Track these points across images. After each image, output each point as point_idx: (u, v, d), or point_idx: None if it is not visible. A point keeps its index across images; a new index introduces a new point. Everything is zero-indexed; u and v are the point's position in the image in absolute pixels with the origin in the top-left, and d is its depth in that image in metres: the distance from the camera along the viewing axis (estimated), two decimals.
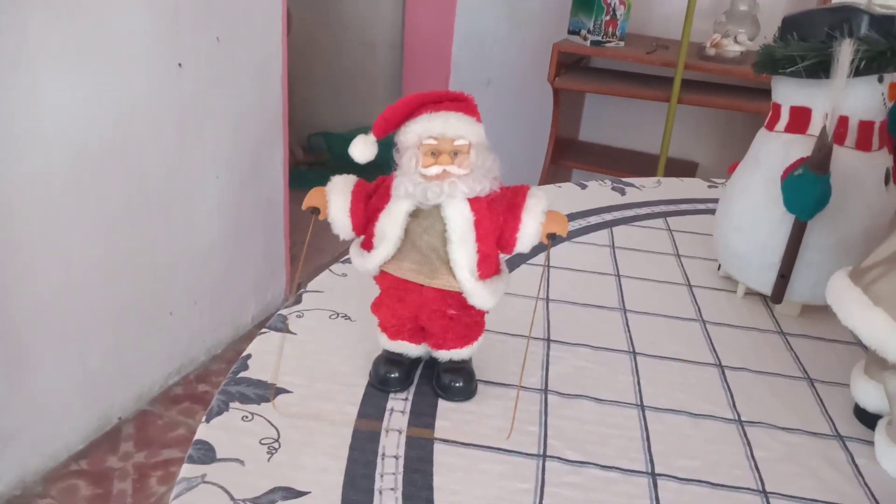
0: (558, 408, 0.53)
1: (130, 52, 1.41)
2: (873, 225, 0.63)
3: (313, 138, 2.98)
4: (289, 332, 0.59)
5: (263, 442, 0.47)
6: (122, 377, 1.60)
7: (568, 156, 2.50)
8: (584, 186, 0.98)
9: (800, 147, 0.62)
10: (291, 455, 0.46)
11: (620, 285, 0.72)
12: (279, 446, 0.47)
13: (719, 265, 0.75)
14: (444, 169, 0.45)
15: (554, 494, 0.45)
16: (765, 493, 0.47)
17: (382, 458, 0.47)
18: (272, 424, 0.49)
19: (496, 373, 0.56)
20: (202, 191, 1.70)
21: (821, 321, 0.68)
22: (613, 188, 0.98)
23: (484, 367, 0.55)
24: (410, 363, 0.54)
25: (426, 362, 0.55)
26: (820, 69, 0.60)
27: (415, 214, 0.47)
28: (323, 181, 0.49)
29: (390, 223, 0.47)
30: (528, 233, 0.47)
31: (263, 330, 0.59)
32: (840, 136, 0.62)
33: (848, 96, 0.60)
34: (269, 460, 0.46)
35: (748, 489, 0.47)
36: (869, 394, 0.53)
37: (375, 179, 0.50)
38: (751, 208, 0.67)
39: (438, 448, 0.48)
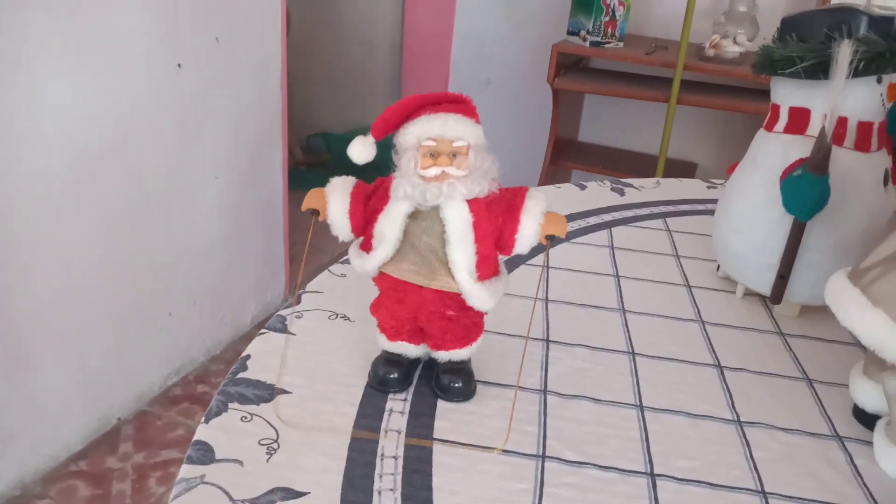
0: (557, 408, 0.53)
1: (130, 52, 1.41)
2: (872, 225, 0.63)
3: (312, 139, 2.98)
4: (289, 332, 0.59)
5: (262, 442, 0.47)
6: (121, 377, 1.60)
7: (567, 156, 2.50)
8: (583, 187, 0.98)
9: (799, 148, 0.62)
10: (290, 455, 0.46)
11: (619, 286, 0.72)
12: (278, 447, 0.47)
13: (718, 266, 0.75)
14: (442, 170, 0.45)
15: (553, 495, 0.45)
16: (764, 493, 0.47)
17: (381, 459, 0.47)
18: (271, 425, 0.49)
19: (495, 373, 0.56)
20: (202, 191, 1.70)
21: (820, 322, 0.68)
22: (612, 189, 0.98)
23: (483, 368, 0.56)
24: (409, 364, 0.54)
25: (425, 363, 0.55)
26: (819, 70, 0.60)
27: (414, 216, 0.47)
28: (322, 182, 0.49)
29: (389, 224, 0.47)
30: (527, 234, 0.48)
31: (263, 331, 0.59)
32: (839, 137, 0.62)
33: (847, 97, 0.60)
34: (268, 461, 0.46)
35: (747, 489, 0.47)
36: (868, 394, 0.53)
37: (374, 181, 0.50)
38: (750, 209, 0.67)
39: (437, 448, 0.48)
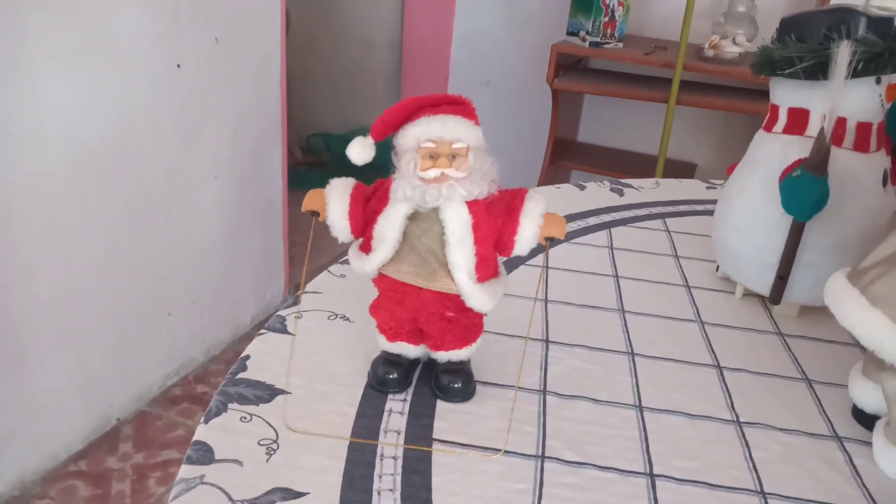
0: (556, 408, 0.53)
1: (130, 52, 1.41)
2: (871, 226, 0.63)
3: (312, 139, 2.98)
4: (289, 333, 0.59)
5: (262, 443, 0.47)
6: (121, 377, 1.60)
7: (567, 157, 2.50)
8: (582, 187, 0.98)
9: (798, 148, 0.62)
10: (290, 456, 0.46)
11: (619, 286, 0.72)
12: (277, 447, 0.47)
13: (717, 266, 0.75)
14: (442, 172, 0.45)
15: (552, 495, 0.45)
16: (763, 493, 0.47)
17: (381, 459, 0.47)
18: (270, 425, 0.49)
19: (495, 374, 0.56)
20: (202, 191, 1.70)
21: (819, 322, 0.68)
22: (612, 189, 0.98)
23: (482, 368, 0.56)
24: (409, 364, 0.54)
25: (425, 363, 0.55)
26: (818, 70, 0.60)
27: (413, 217, 0.47)
28: (322, 182, 0.49)
29: (389, 226, 0.47)
30: (526, 236, 0.48)
31: (262, 331, 0.59)
32: (838, 138, 0.63)
33: (846, 98, 0.60)
34: (267, 461, 0.46)
35: (746, 490, 0.47)
36: (867, 394, 0.53)
37: (374, 182, 0.50)
38: (749, 209, 0.67)
39: (437, 448, 0.48)
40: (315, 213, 0.49)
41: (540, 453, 0.49)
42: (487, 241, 0.47)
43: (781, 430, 0.53)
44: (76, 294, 1.43)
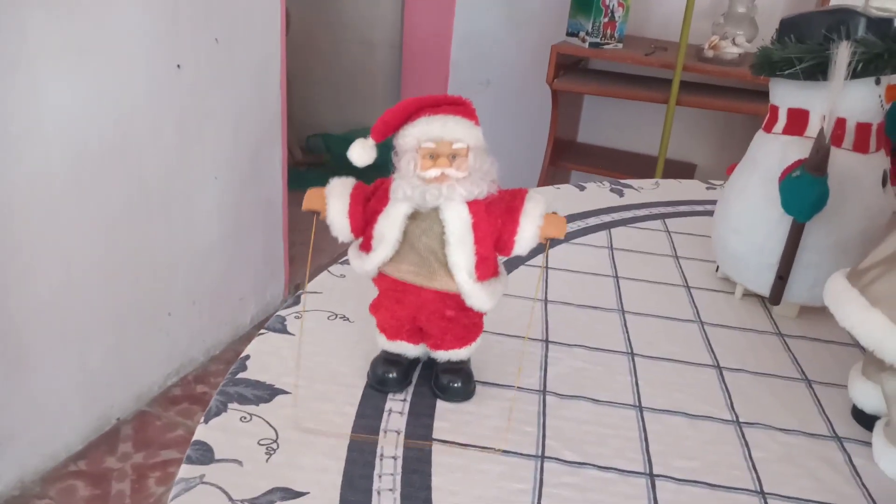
0: (556, 408, 0.53)
1: (130, 52, 1.41)
2: (871, 226, 0.63)
3: (312, 139, 2.98)
4: (289, 333, 0.59)
5: (262, 442, 0.47)
6: (121, 377, 1.60)
7: (566, 157, 2.50)
8: (582, 188, 0.98)
9: (797, 149, 0.62)
10: (290, 455, 0.46)
11: (619, 286, 0.72)
12: (277, 447, 0.47)
13: (717, 266, 0.75)
14: (442, 172, 0.45)
15: (552, 495, 0.45)
16: (763, 493, 0.47)
17: (381, 459, 0.47)
18: (270, 425, 0.49)
19: (494, 373, 0.56)
20: (202, 191, 1.70)
21: (819, 322, 0.68)
22: (612, 190, 0.98)
23: (482, 368, 0.56)
24: (409, 364, 0.54)
25: (424, 363, 0.55)
26: (817, 71, 0.60)
27: (413, 217, 0.47)
28: (322, 182, 0.49)
29: (389, 225, 0.47)
30: (526, 236, 0.48)
31: (262, 331, 0.59)
32: (838, 138, 0.63)
33: (845, 98, 0.60)
34: (267, 461, 0.46)
35: (746, 490, 0.47)
36: (866, 395, 0.53)
37: (374, 182, 0.50)
38: (749, 210, 0.67)
39: (437, 448, 0.48)
40: (316, 213, 0.49)
41: (540, 453, 0.49)
42: (487, 240, 0.48)
43: (781, 430, 0.53)
44: (76, 294, 1.43)
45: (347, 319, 0.62)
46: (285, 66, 1.88)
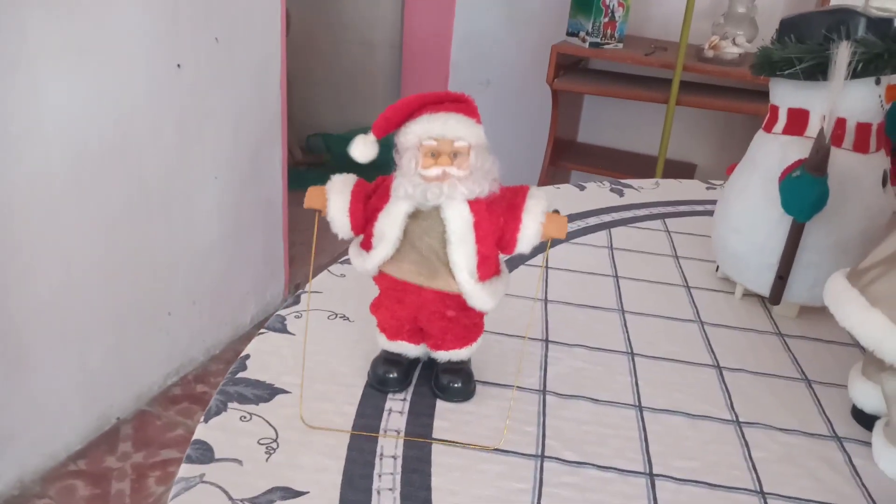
0: (556, 408, 0.53)
1: (130, 52, 1.41)
2: (871, 226, 0.63)
3: (312, 139, 2.98)
4: (289, 331, 0.59)
5: (262, 442, 0.47)
6: (121, 377, 1.60)
7: (566, 157, 2.50)
8: (582, 188, 0.98)
9: (797, 149, 0.62)
10: (290, 455, 0.46)
11: (618, 286, 0.72)
12: (277, 446, 0.47)
13: (717, 266, 0.75)
14: (443, 170, 0.45)
15: (552, 495, 0.45)
16: (762, 493, 0.47)
17: (381, 458, 0.47)
18: (270, 425, 0.49)
19: (494, 373, 0.56)
20: (202, 191, 1.70)
21: (819, 322, 0.68)
22: (612, 189, 0.98)
23: (482, 368, 0.56)
24: (409, 363, 0.54)
25: (425, 362, 0.55)
26: (817, 71, 0.60)
27: (414, 215, 0.47)
28: (322, 182, 0.49)
29: (389, 224, 0.47)
30: (529, 234, 0.48)
31: (262, 330, 0.59)
32: (838, 138, 0.63)
33: (845, 98, 0.60)
34: (267, 460, 0.46)
35: (746, 490, 0.47)
36: (866, 395, 0.53)
37: (375, 180, 0.50)
38: (749, 210, 0.67)
39: (436, 448, 0.48)
40: (317, 211, 0.49)
41: (539, 453, 0.49)
42: (489, 239, 0.47)
43: (781, 430, 0.53)
44: (76, 294, 1.43)
45: (348, 319, 0.62)
46: (285, 66, 1.88)
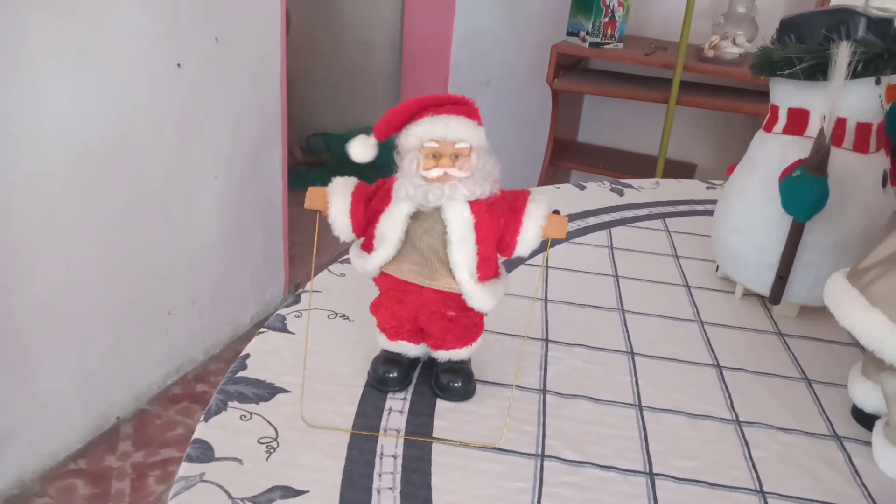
0: (556, 408, 0.53)
1: (130, 52, 1.41)
2: (871, 226, 0.63)
3: (312, 139, 2.98)
4: (289, 331, 0.59)
5: (262, 441, 0.47)
6: (121, 377, 1.60)
7: (566, 157, 2.50)
8: (582, 187, 0.98)
9: (798, 148, 0.62)
10: (290, 454, 0.46)
11: (619, 286, 0.72)
12: (277, 445, 0.47)
13: (717, 266, 0.75)
14: (444, 171, 0.45)
15: (552, 494, 0.45)
16: (763, 493, 0.47)
17: (381, 458, 0.47)
18: (270, 424, 0.49)
19: (494, 373, 0.56)
20: (202, 191, 1.70)
21: (819, 322, 0.68)
22: (612, 189, 0.98)
23: (482, 367, 0.56)
24: (409, 363, 0.54)
25: (425, 362, 0.55)
26: (817, 71, 0.60)
27: (415, 216, 0.47)
28: (322, 182, 0.49)
29: (391, 225, 0.47)
30: (528, 237, 0.48)
31: (262, 330, 0.59)
32: (838, 138, 0.63)
33: (845, 98, 0.60)
34: (267, 459, 0.46)
35: (746, 489, 0.47)
36: (866, 394, 0.53)
37: (376, 182, 0.50)
38: (749, 209, 0.67)
39: (436, 448, 0.48)
40: (318, 211, 0.49)
41: (540, 452, 0.49)
42: (489, 240, 0.48)
43: (781, 429, 0.53)
44: (76, 294, 1.43)
45: (348, 318, 0.62)
46: (285, 66, 1.88)
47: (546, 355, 0.59)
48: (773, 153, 0.65)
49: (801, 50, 0.61)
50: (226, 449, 0.46)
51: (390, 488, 0.44)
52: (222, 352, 1.91)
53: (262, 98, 1.83)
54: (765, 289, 0.67)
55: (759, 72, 0.66)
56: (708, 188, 1.02)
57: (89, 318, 1.48)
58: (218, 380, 1.79)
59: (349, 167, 0.51)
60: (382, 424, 0.50)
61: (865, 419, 0.54)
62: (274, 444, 0.47)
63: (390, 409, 0.51)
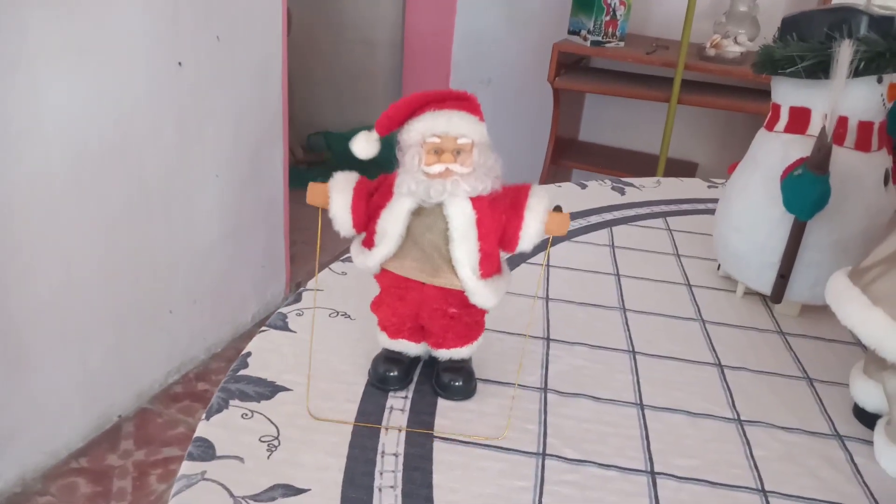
0: (557, 406, 0.53)
1: (130, 51, 1.41)
2: (872, 225, 0.63)
3: (313, 138, 2.98)
4: (291, 329, 0.59)
5: (263, 439, 0.47)
6: (122, 376, 1.60)
7: (568, 156, 2.50)
8: (583, 186, 0.98)
9: (799, 147, 0.62)
10: (291, 452, 0.46)
11: (620, 284, 0.72)
12: (279, 444, 0.47)
13: (719, 265, 0.75)
14: (446, 167, 0.45)
15: (552, 492, 0.45)
16: (764, 492, 0.47)
17: (382, 456, 0.47)
18: (272, 422, 0.49)
19: (495, 371, 0.56)
20: (202, 190, 1.70)
21: (820, 321, 0.68)
22: (613, 188, 0.98)
23: (483, 366, 0.56)
24: (410, 362, 0.54)
25: (426, 361, 0.55)
26: (819, 70, 0.60)
27: (417, 212, 0.47)
28: (322, 180, 0.49)
29: (392, 221, 0.47)
30: (530, 232, 0.48)
31: (263, 328, 0.59)
32: (839, 137, 0.63)
33: (847, 97, 0.60)
34: (268, 458, 0.46)
35: (747, 488, 0.47)
36: (868, 393, 0.53)
37: (377, 178, 0.50)
38: (750, 208, 0.67)
39: (438, 446, 0.48)
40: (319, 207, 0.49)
41: (540, 451, 0.49)
42: (491, 237, 0.47)
43: (782, 428, 0.53)
44: (76, 294, 1.43)
45: (349, 317, 0.62)
46: (286, 66, 1.88)
47: (547, 354, 0.59)
48: (774, 152, 0.65)
49: (803, 48, 0.61)
50: (227, 447, 0.46)
51: (392, 486, 0.44)
52: (223, 350, 1.91)
53: (263, 97, 1.83)
54: (766, 287, 0.67)
55: (761, 70, 0.66)
56: (709, 187, 1.02)
57: (90, 318, 1.48)
58: (219, 378, 1.79)
59: (350, 166, 0.51)
60: (384, 423, 0.50)
61: (867, 418, 0.54)
62: (275, 443, 0.47)
63: (391, 408, 0.51)
